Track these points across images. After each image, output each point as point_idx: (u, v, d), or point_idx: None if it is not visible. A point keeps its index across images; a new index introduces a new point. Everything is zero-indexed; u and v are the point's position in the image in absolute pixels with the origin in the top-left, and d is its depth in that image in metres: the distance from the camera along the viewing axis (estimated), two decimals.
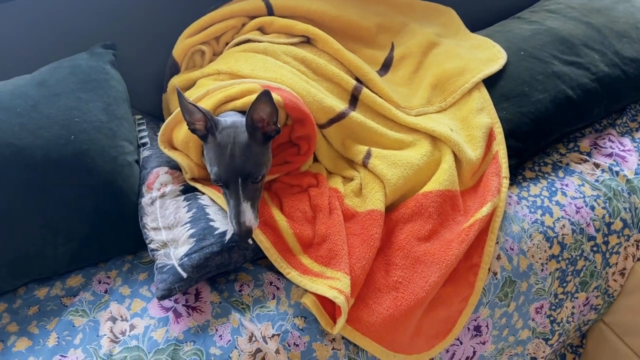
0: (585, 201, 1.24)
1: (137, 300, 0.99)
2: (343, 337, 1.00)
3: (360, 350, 1.00)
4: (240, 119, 1.00)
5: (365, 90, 1.23)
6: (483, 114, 1.26)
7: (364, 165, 1.16)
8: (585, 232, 1.22)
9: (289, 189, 1.12)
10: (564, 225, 1.20)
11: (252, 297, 1.00)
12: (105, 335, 0.94)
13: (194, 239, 0.98)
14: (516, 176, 1.28)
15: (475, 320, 1.12)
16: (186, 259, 0.95)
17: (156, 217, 1.05)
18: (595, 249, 1.23)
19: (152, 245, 1.01)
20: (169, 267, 0.95)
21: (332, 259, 1.01)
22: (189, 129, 1.00)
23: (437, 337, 1.08)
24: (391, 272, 1.04)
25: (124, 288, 1.02)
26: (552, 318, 1.24)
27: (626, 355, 1.37)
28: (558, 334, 1.27)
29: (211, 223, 1.00)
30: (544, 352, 1.27)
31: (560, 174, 1.29)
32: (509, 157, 1.23)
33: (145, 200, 1.08)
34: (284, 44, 1.28)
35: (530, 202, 1.22)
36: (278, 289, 1.01)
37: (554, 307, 1.23)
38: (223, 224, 1.00)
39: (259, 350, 0.93)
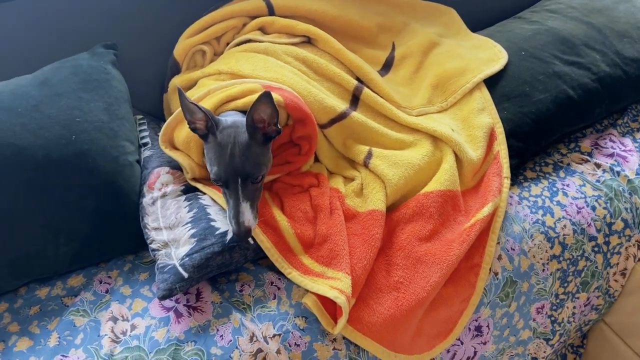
0: (586, 201, 1.24)
1: (138, 300, 0.99)
2: (344, 338, 0.99)
3: (361, 350, 1.00)
4: (241, 119, 1.00)
5: (366, 90, 1.23)
6: (484, 114, 1.26)
7: (365, 165, 1.16)
8: (587, 233, 1.21)
9: (290, 189, 1.12)
10: (565, 226, 1.20)
11: (253, 297, 1.00)
12: (106, 335, 0.94)
13: (195, 239, 0.98)
14: (517, 176, 1.28)
15: (476, 321, 1.12)
16: (187, 259, 0.95)
17: (157, 217, 1.05)
18: (596, 249, 1.23)
19: (153, 245, 1.01)
20: (170, 267, 0.95)
21: (333, 259, 1.01)
22: (189, 128, 1.00)
23: (438, 337, 1.08)
24: (392, 272, 1.04)
25: (125, 288, 1.02)
26: (553, 318, 1.24)
27: (627, 356, 1.37)
28: (559, 334, 1.27)
29: (212, 223, 1.00)
30: (544, 352, 1.27)
31: (562, 174, 1.29)
32: (510, 157, 1.23)
33: (146, 200, 1.08)
34: (285, 44, 1.28)
35: (532, 202, 1.22)
36: (279, 289, 1.01)
37: (555, 307, 1.23)
38: (224, 224, 1.00)
39: (260, 350, 0.93)
